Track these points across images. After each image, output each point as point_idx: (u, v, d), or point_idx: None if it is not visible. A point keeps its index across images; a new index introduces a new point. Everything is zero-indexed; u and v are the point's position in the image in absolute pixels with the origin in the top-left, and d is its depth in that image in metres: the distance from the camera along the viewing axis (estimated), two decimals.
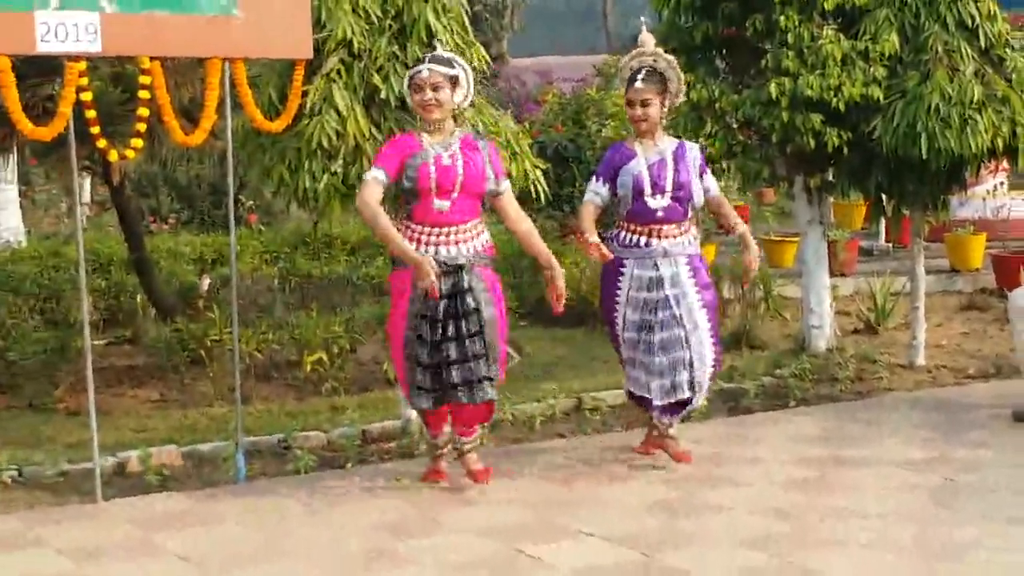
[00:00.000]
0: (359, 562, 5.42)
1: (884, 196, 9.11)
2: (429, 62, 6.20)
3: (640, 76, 6.56)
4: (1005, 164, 9.30)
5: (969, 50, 8.32)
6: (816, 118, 8.32)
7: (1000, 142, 8.27)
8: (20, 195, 17.20)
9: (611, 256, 6.52)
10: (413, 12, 7.15)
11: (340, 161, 6.93)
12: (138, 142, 6.63)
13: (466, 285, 6.06)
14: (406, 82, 6.37)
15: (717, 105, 8.70)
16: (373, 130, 7.01)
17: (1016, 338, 7.78)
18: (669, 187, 6.52)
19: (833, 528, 5.69)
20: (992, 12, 8.52)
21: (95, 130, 6.36)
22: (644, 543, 5.53)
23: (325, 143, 6.87)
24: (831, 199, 10.61)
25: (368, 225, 6.29)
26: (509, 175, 6.77)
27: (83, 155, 7.63)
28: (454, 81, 6.19)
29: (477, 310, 6.07)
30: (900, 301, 10.30)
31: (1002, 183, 14.61)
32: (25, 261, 12.05)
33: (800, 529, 5.70)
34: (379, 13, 7.12)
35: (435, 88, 6.13)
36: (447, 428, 6.47)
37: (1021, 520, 5.74)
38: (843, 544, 5.48)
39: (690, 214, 6.71)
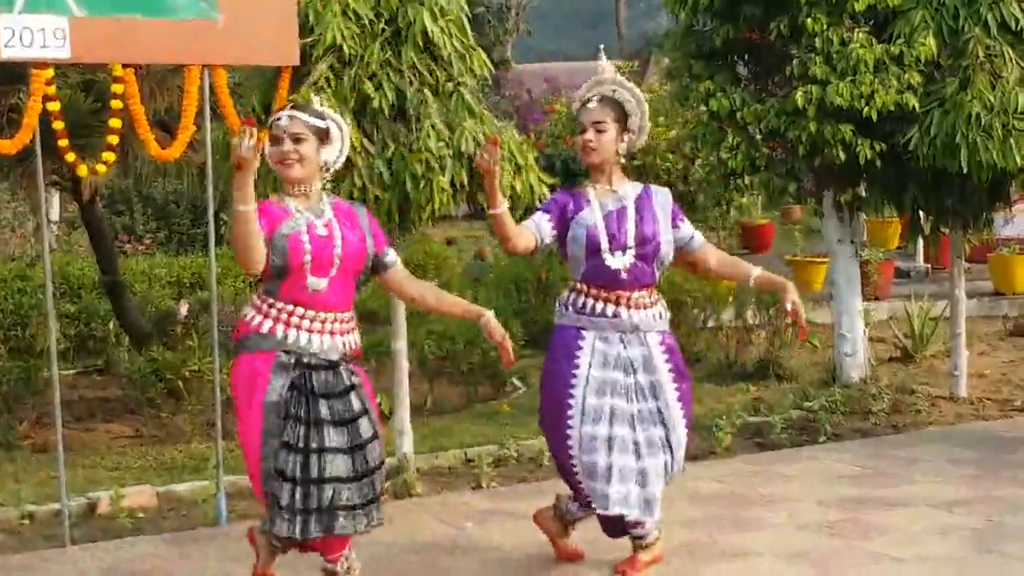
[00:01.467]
0: None
1: (921, 213, 9.12)
2: (292, 109, 5.44)
3: (594, 99, 5.74)
4: None
5: (1013, 55, 8.32)
6: (847, 129, 8.34)
7: None
8: None
9: (499, 208, 5.43)
10: (408, 15, 7.17)
11: (329, 175, 6.94)
12: (110, 156, 6.65)
13: (348, 382, 5.26)
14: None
15: (739, 115, 8.72)
16: (365, 142, 7.03)
17: None
18: (631, 242, 5.60)
19: (868, 570, 5.68)
20: None
21: (63, 142, 6.39)
22: None
23: None
24: (863, 216, 10.61)
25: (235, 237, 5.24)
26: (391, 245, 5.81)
27: (51, 169, 7.66)
28: (322, 135, 5.36)
29: (366, 411, 5.27)
30: (939, 327, 10.30)
31: None
32: None
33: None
34: (371, 16, 7.14)
35: (296, 140, 5.30)
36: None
37: None
38: None
39: (658, 277, 5.83)
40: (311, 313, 5.22)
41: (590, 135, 5.64)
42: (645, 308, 5.68)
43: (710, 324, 10.68)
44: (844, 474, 7.35)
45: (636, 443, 5.52)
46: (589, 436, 5.49)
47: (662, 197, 5.79)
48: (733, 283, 12.43)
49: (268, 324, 5.21)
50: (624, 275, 5.58)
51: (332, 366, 5.24)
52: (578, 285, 5.68)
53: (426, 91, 7.13)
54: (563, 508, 5.88)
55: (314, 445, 5.12)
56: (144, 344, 9.91)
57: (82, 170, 6.69)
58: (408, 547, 6.24)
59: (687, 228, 5.80)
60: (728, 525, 6.46)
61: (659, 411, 5.58)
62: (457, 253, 13.95)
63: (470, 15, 7.63)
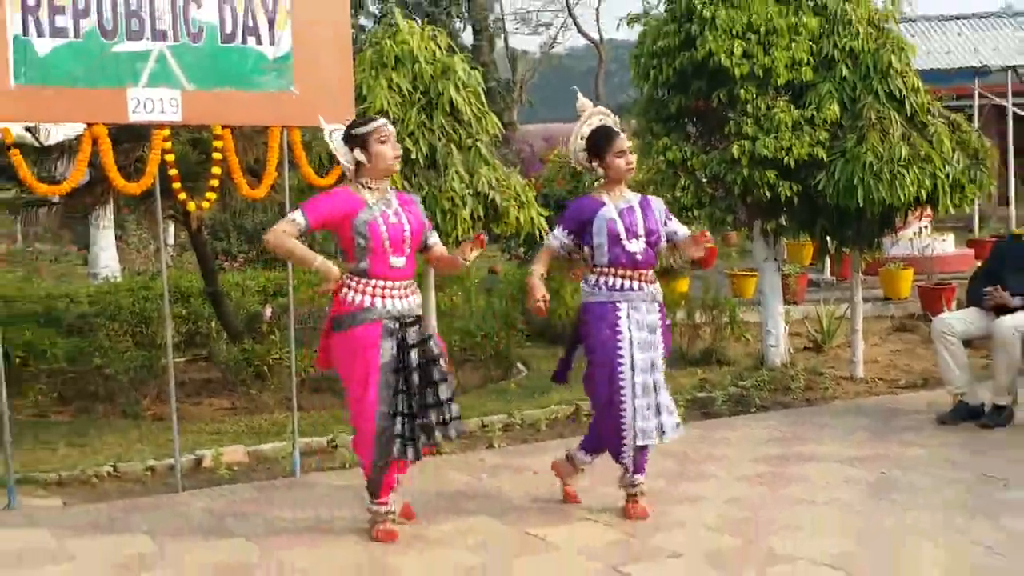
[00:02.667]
0: (394, 545, 5.38)
1: (828, 238, 9.09)
2: (382, 119, 5.37)
3: (620, 130, 5.77)
4: (928, 211, 9.27)
5: (897, 117, 8.32)
6: (771, 174, 8.32)
7: (924, 193, 8.25)
8: (116, 238, 17.29)
9: (543, 308, 5.68)
10: (438, 88, 7.20)
11: None
12: (212, 195, 6.65)
13: (427, 332, 5.30)
14: (348, 139, 5.32)
15: (689, 163, 8.70)
16: (406, 184, 7.03)
17: (938, 356, 7.74)
18: (641, 232, 5.64)
19: (788, 515, 5.66)
20: (916, 86, 8.53)
21: (177, 185, 6.40)
22: (631, 524, 5.53)
23: None
24: (784, 240, 10.58)
25: (283, 256, 5.45)
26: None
27: (167, 206, 7.65)
28: None
29: (440, 356, 5.31)
30: (842, 324, 10.26)
31: (926, 226, 14.58)
32: (120, 293, 12.09)
33: (761, 516, 5.66)
34: (410, 88, 7.17)
35: (398, 141, 5.42)
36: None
37: (941, 507, 5.71)
38: (797, 528, 5.45)
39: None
40: (394, 283, 5.20)
41: (632, 158, 5.69)
42: (652, 283, 5.70)
43: (668, 321, 10.63)
44: (770, 437, 7.32)
45: (655, 385, 5.61)
46: (641, 384, 5.52)
47: (659, 203, 5.84)
48: (685, 289, 12.42)
49: (368, 300, 5.16)
50: (639, 256, 5.61)
51: (417, 320, 5.27)
52: (605, 269, 5.62)
53: (451, 146, 7.15)
54: (575, 457, 5.86)
55: (414, 386, 5.17)
56: (238, 338, 9.91)
57: (191, 206, 6.69)
58: (437, 493, 6.22)
59: (675, 224, 5.86)
60: (682, 477, 6.44)
61: (654, 362, 5.62)
62: (475, 269, 13.90)
63: (485, 88, 7.65)
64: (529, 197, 7.65)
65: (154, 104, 6.11)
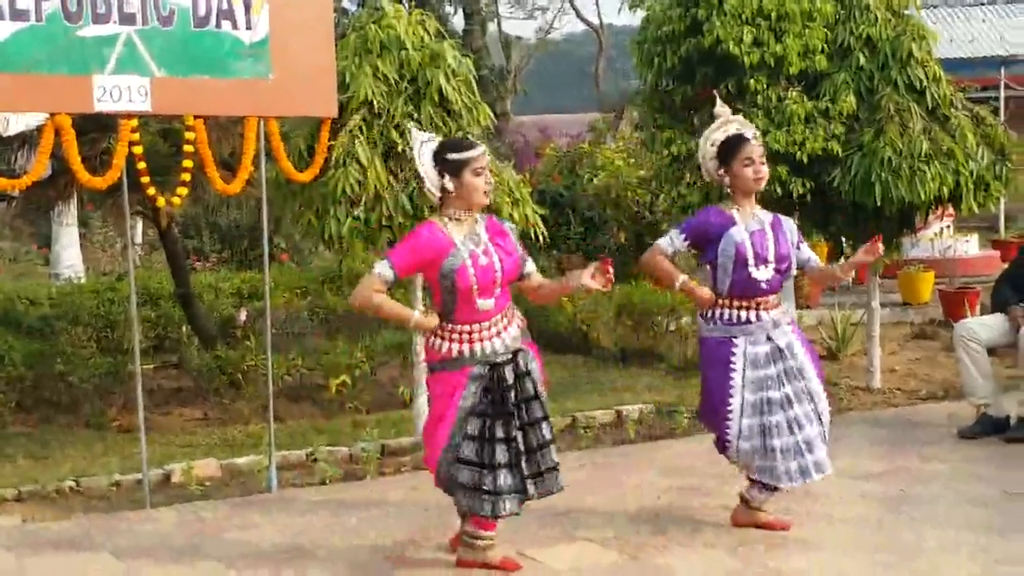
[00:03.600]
0: (376, 567, 5.40)
1: (843, 238, 9.11)
2: (480, 146, 5.16)
3: (752, 135, 5.68)
4: (950, 210, 9.31)
5: (918, 109, 8.34)
6: (783, 169, 8.33)
7: (945, 191, 8.27)
8: (80, 236, 17.29)
9: (709, 296, 5.57)
10: (427, 76, 7.20)
11: (362, 207, 6.96)
12: (183, 190, 6.65)
13: (524, 368, 5.08)
14: (440, 163, 5.07)
15: (696, 158, 8.71)
16: (391, 179, 7.05)
17: (960, 365, 7.77)
18: (772, 258, 5.51)
19: (803, 531, 5.68)
20: (937, 76, 8.55)
21: (145, 179, 6.39)
22: (633, 542, 5.54)
23: (348, 191, 6.90)
24: None
25: (360, 308, 5.19)
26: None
27: (135, 201, 7.65)
28: None
29: (536, 394, 5.09)
30: (858, 330, 10.29)
31: (948, 226, 14.65)
32: (84, 294, 12.07)
33: (774, 534, 5.68)
34: (396, 77, 7.17)
35: (491, 172, 5.19)
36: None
37: (964, 526, 5.73)
38: (812, 545, 5.48)
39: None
40: (484, 325, 5.03)
41: (762, 168, 5.57)
42: (776, 307, 5.61)
43: (671, 328, 10.66)
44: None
45: (791, 421, 5.48)
46: (750, 426, 5.48)
47: (790, 224, 5.76)
48: None
49: (455, 348, 5.03)
50: (764, 285, 5.52)
51: (512, 357, 5.06)
52: (724, 300, 5.56)
53: (441, 137, 7.14)
54: (749, 498, 5.75)
55: (511, 433, 4.99)
56: (210, 344, 9.92)
57: (160, 202, 6.69)
58: (426, 508, 6.23)
59: (806, 250, 5.77)
60: (696, 490, 6.46)
61: (807, 389, 5.52)
62: None
63: (476, 76, 7.65)
64: (524, 193, 7.65)
65: (121, 92, 6.11)
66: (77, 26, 5.99)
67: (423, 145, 5.15)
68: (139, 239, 17.58)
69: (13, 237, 20.81)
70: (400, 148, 7.05)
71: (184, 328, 10.54)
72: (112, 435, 8.18)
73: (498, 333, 5.06)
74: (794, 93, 8.47)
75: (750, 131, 5.76)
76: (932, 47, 8.68)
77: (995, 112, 10.14)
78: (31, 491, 6.76)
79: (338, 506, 6.41)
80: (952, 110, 8.54)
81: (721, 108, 5.88)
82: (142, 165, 6.35)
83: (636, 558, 5.38)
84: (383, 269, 4.97)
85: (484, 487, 4.97)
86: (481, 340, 5.03)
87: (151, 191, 6.48)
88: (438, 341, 5.08)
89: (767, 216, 5.67)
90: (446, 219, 5.08)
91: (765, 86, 8.45)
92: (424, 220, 6.99)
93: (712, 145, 5.69)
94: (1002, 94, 19.63)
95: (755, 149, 5.56)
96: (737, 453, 5.57)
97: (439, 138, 5.38)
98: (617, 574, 5.18)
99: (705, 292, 5.58)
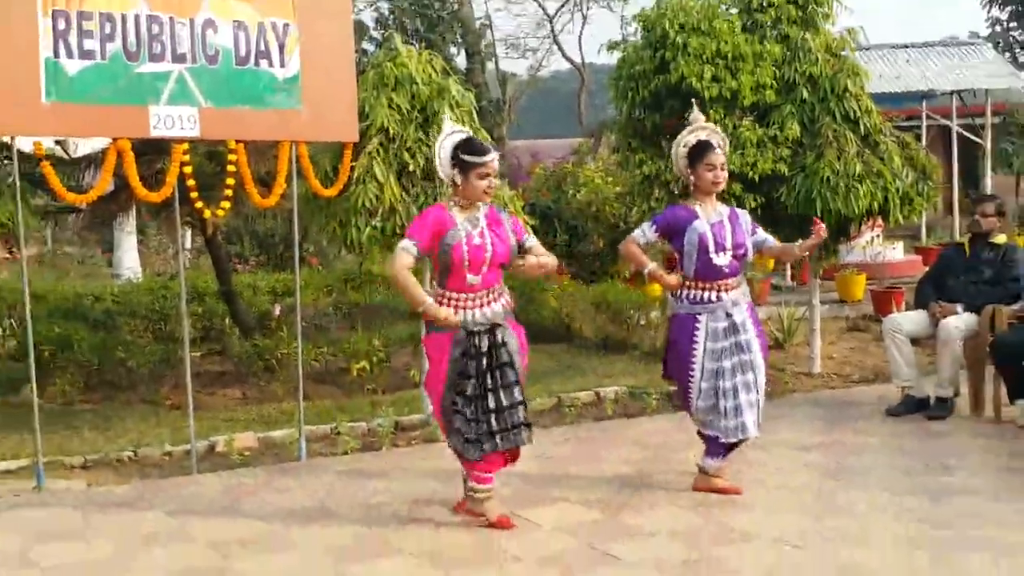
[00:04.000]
0: (391, 524, 5.40)
1: None
2: (494, 150, 5.19)
3: (717, 143, 5.66)
4: (880, 221, 9.30)
5: (852, 136, 8.35)
6: (737, 187, 8.32)
7: (876, 205, 8.28)
8: (138, 242, 17.25)
9: (676, 281, 5.63)
10: (434, 107, 7.20)
11: (379, 218, 6.97)
12: (226, 204, 6.66)
13: (500, 340, 5.11)
14: (457, 165, 5.07)
15: (663, 176, 8.70)
16: (404, 195, 7.05)
17: (888, 353, 7.79)
18: (729, 246, 5.56)
19: (753, 495, 5.69)
20: (869, 108, 8.56)
21: (194, 195, 6.40)
22: (611, 504, 5.54)
23: (367, 205, 6.91)
24: None
25: (399, 289, 5.17)
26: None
27: (185, 213, 7.64)
28: None
29: (511, 362, 5.14)
30: (801, 324, 10.29)
31: (878, 235, 14.63)
32: (141, 292, 12.03)
33: (724, 496, 5.69)
34: (408, 107, 7.17)
35: (496, 176, 5.16)
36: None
37: (891, 491, 5.74)
38: (760, 506, 5.49)
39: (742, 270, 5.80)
40: (470, 296, 5.07)
41: (721, 174, 5.60)
42: (737, 289, 5.64)
43: (642, 321, 10.65)
44: None
45: (736, 387, 5.55)
46: (707, 389, 5.57)
47: (746, 216, 5.80)
48: (659, 291, 12.42)
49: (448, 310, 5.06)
50: (726, 269, 5.57)
51: (491, 328, 5.11)
52: (690, 282, 5.61)
53: (467, 134, 7.15)
54: (706, 467, 5.79)
55: (479, 391, 5.08)
56: (249, 334, 9.90)
57: (207, 213, 6.70)
58: (434, 475, 6.23)
59: (761, 234, 5.82)
60: (657, 462, 6.46)
61: (751, 362, 5.58)
62: None
63: (477, 107, 7.66)
64: (517, 206, 7.67)
65: (174, 120, 6.11)
66: (136, 64, 6.00)
67: (447, 137, 5.15)
68: (188, 245, 17.52)
69: (81, 243, 20.75)
70: (411, 168, 7.06)
71: (227, 321, 10.52)
72: (164, 412, 8.16)
73: (480, 306, 5.09)
74: (747, 122, 8.48)
75: (717, 138, 5.74)
76: (864, 83, 8.69)
77: (918, 139, 10.16)
78: (95, 459, 6.75)
79: (358, 473, 6.41)
80: (881, 137, 8.55)
81: (696, 115, 5.88)
82: (191, 182, 6.36)
83: (613, 517, 5.38)
84: (408, 245, 5.01)
85: (467, 435, 5.08)
86: (465, 308, 5.07)
87: (199, 204, 6.48)
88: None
89: (725, 210, 5.72)
90: (452, 203, 5.15)
91: (723, 116, 8.45)
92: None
93: (684, 147, 5.70)
94: (924, 123, 19.64)
95: (718, 157, 5.59)
96: (696, 410, 5.67)
97: (466, 133, 5.36)
98: (596, 530, 5.18)
99: (672, 278, 5.65)
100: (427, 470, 6.39)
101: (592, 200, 14.09)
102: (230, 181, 6.53)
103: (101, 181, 6.41)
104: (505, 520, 5.24)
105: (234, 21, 6.33)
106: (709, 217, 5.60)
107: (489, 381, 5.10)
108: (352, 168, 6.93)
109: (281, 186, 6.74)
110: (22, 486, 6.23)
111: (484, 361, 5.09)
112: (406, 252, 5.01)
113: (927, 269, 8.90)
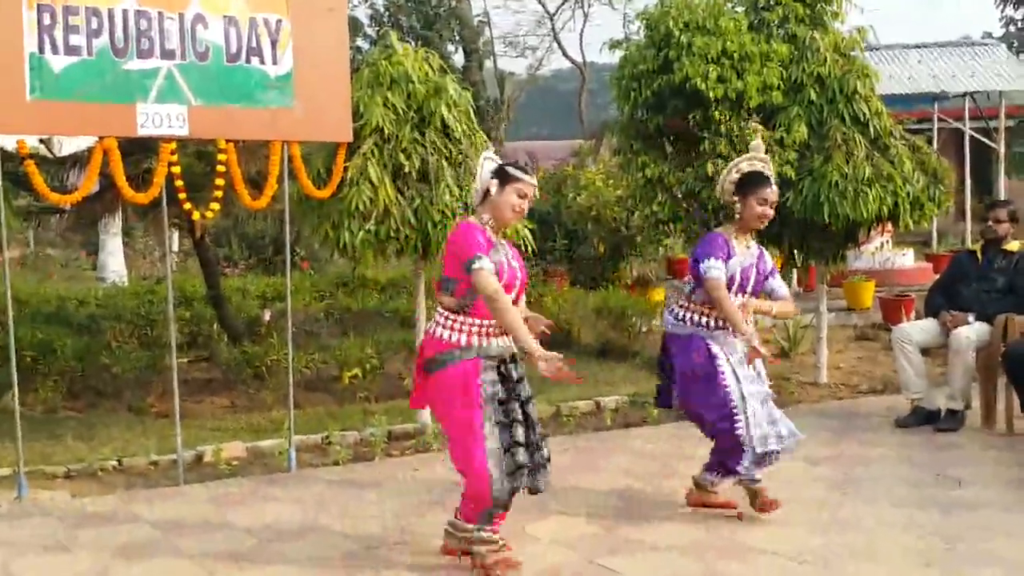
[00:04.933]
0: (383, 537, 5.40)
1: (795, 251, 9.12)
2: (532, 174, 4.89)
3: (773, 180, 5.57)
4: (890, 227, 9.32)
5: (861, 139, 8.37)
6: None
7: (885, 210, 8.29)
8: (124, 245, 17.26)
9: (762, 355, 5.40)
10: (431, 106, 7.20)
11: (373, 221, 6.96)
12: (215, 205, 6.65)
13: (522, 372, 4.86)
14: (497, 175, 4.82)
15: (666, 180, 8.73)
16: (399, 197, 7.05)
17: (897, 363, 7.80)
18: (749, 290, 5.48)
19: (743, 505, 5.65)
20: (879, 110, 8.58)
21: (182, 195, 6.39)
22: (609, 516, 5.54)
23: (361, 207, 6.90)
24: None
25: (498, 311, 4.61)
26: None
27: (173, 214, 7.64)
28: None
29: (532, 397, 4.87)
30: (808, 332, 10.30)
31: (887, 241, 14.69)
32: (127, 296, 12.06)
33: (728, 509, 5.68)
34: (404, 107, 7.17)
35: (529, 201, 4.86)
36: None
37: (900, 504, 5.74)
38: (767, 520, 5.49)
39: None
40: (491, 322, 4.72)
41: (770, 212, 5.50)
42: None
43: (644, 328, 10.66)
44: None
45: (762, 397, 5.44)
46: (755, 413, 5.34)
47: (768, 260, 5.64)
48: (661, 298, 12.43)
49: (464, 338, 4.71)
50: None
51: (513, 358, 4.83)
52: (693, 306, 5.49)
53: (443, 161, 7.15)
54: (702, 482, 5.69)
55: (519, 418, 4.72)
56: (238, 340, 9.91)
57: (195, 215, 6.69)
58: (430, 486, 6.23)
59: (775, 282, 5.63)
60: (660, 475, 6.46)
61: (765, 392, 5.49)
62: None
63: (474, 107, 7.67)
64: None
65: (162, 119, 6.11)
66: (123, 60, 6.00)
67: (486, 159, 4.95)
68: (176, 247, 17.53)
69: (65, 245, 20.77)
70: (407, 169, 7.06)
71: (215, 326, 10.52)
72: (150, 420, 8.16)
73: (501, 335, 4.78)
74: (753, 124, 8.49)
75: (770, 172, 5.64)
76: (874, 84, 8.71)
77: (929, 142, 10.18)
78: (79, 469, 6.74)
79: (349, 484, 6.41)
80: (892, 140, 8.57)
81: (757, 144, 5.80)
82: (179, 183, 6.35)
83: (613, 530, 5.38)
84: (485, 264, 4.60)
85: (534, 462, 4.73)
86: (489, 336, 4.75)
87: (187, 205, 6.48)
88: (447, 332, 4.75)
89: (755, 251, 5.58)
90: (483, 222, 4.82)
91: (728, 117, 8.47)
92: (427, 232, 7.02)
93: (737, 172, 5.57)
94: (935, 126, 19.70)
95: (773, 194, 5.49)
96: (753, 442, 5.34)
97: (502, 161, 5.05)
98: (596, 544, 5.18)
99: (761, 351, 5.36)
100: (421, 481, 6.39)
101: (592, 204, 14.13)
102: (220, 182, 6.53)
103: (86, 181, 6.41)
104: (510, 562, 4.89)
105: (225, 16, 6.33)
106: (743, 259, 5.47)
107: (519, 413, 4.74)
108: (345, 169, 6.93)
109: (272, 187, 6.74)
110: (3, 496, 6.21)
111: (515, 390, 4.79)
112: (490, 272, 4.60)
113: (938, 277, 8.90)
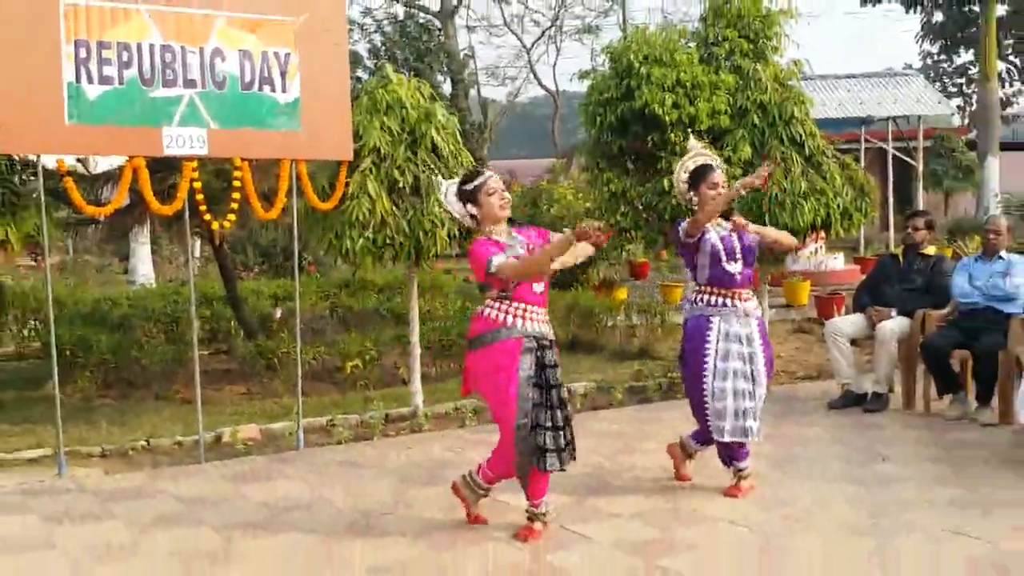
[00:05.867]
0: (382, 507, 5.39)
1: None
2: (486, 171, 4.85)
3: (716, 164, 5.48)
4: (823, 234, 9.36)
5: (798, 158, 8.39)
6: None
7: (819, 220, 8.32)
8: (152, 252, 17.15)
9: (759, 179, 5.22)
10: (422, 129, 7.19)
11: (371, 230, 6.93)
12: (232, 216, 6.64)
13: (557, 359, 4.76)
14: (457, 193, 4.80)
15: (628, 194, 8.73)
16: (394, 209, 7.03)
17: (830, 353, 7.83)
18: (739, 255, 5.35)
19: (708, 481, 5.69)
20: (813, 132, 8.60)
21: (203, 208, 6.38)
22: (579, 489, 5.53)
23: (361, 218, 6.87)
24: None
25: (535, 270, 4.62)
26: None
27: (194, 225, 7.61)
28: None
29: (562, 383, 4.78)
30: None
31: (821, 247, 14.74)
32: (155, 297, 11.99)
33: (686, 483, 5.71)
34: (398, 130, 7.16)
35: (504, 190, 4.78)
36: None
37: (832, 479, 5.76)
38: (708, 491, 5.50)
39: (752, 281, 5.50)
40: (534, 308, 4.68)
41: (723, 191, 5.31)
42: (749, 301, 5.40)
43: (609, 323, 10.67)
44: (693, 420, 7.34)
45: (745, 392, 5.28)
46: (719, 388, 5.26)
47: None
48: (624, 296, 12.44)
49: (509, 318, 4.63)
50: (738, 277, 5.33)
51: (550, 344, 4.74)
52: (705, 287, 5.36)
53: (433, 176, 7.13)
54: (686, 443, 5.68)
55: (554, 402, 4.66)
56: (253, 335, 9.86)
57: (215, 225, 6.68)
58: (422, 462, 6.23)
59: (755, 231, 5.45)
60: (623, 452, 6.47)
61: (752, 373, 5.31)
62: (452, 279, 13.91)
63: (461, 130, 7.66)
64: None
65: (185, 140, 6.09)
66: (150, 89, 5.98)
67: (447, 188, 4.88)
68: (198, 254, 17.44)
69: (99, 253, 20.62)
70: (401, 184, 7.04)
71: (232, 323, 10.47)
72: (175, 406, 8.12)
73: (542, 321, 4.73)
74: (704, 144, 8.49)
75: (715, 161, 5.57)
76: (809, 110, 8.73)
77: (857, 160, 10.21)
78: (111, 449, 6.71)
79: (351, 461, 6.39)
80: (824, 158, 8.60)
81: (693, 142, 5.72)
82: (200, 197, 6.34)
83: (581, 501, 5.38)
84: (499, 260, 4.58)
85: (557, 446, 4.66)
86: (533, 320, 4.67)
87: (207, 217, 6.46)
88: (493, 312, 4.67)
89: (727, 224, 5.45)
90: (488, 233, 4.76)
91: (682, 139, 8.44)
92: (419, 240, 7.01)
93: (685, 172, 5.46)
94: (862, 146, 19.81)
95: (719, 176, 5.37)
96: (711, 412, 5.30)
97: (455, 179, 5.01)
98: (567, 513, 5.17)
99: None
100: (412, 458, 6.38)
101: (564, 215, 14.13)
102: (236, 196, 6.51)
103: (118, 195, 6.38)
104: (480, 519, 4.97)
105: (240, 50, 6.31)
106: (717, 231, 5.38)
107: (555, 396, 4.68)
108: (347, 184, 6.91)
109: (282, 201, 6.72)
110: (45, 474, 6.19)
111: (550, 375, 4.68)
112: (507, 263, 4.58)
113: (865, 277, 8.95)
